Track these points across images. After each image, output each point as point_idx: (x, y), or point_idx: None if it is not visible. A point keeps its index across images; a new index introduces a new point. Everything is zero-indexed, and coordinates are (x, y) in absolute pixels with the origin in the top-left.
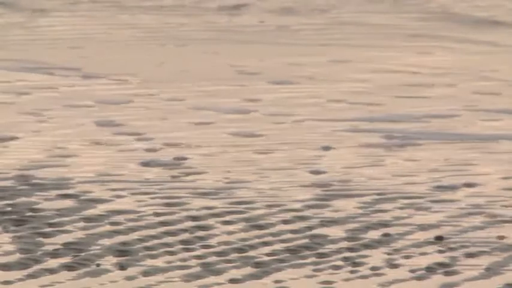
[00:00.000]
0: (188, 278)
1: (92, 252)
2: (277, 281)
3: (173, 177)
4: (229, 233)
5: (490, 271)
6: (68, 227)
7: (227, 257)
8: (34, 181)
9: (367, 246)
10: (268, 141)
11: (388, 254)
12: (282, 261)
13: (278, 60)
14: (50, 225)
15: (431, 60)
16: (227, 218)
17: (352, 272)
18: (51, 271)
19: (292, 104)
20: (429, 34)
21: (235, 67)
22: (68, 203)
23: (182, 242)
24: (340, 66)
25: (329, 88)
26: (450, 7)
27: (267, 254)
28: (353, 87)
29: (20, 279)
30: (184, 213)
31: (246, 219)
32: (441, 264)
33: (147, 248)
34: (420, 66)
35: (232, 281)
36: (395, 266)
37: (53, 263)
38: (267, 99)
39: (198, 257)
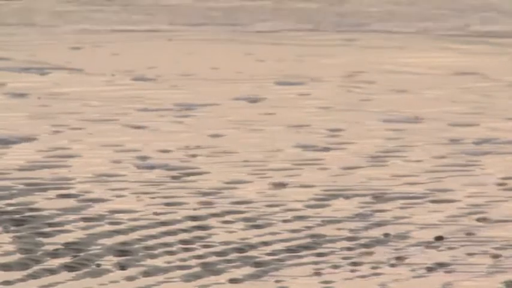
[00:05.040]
0: (188, 278)
1: (92, 252)
2: (277, 281)
3: (173, 177)
4: (229, 232)
5: (490, 271)
6: (68, 227)
7: (227, 257)
8: (34, 181)
9: (367, 246)
10: (268, 141)
11: (388, 253)
12: (282, 261)
13: (280, 61)
14: (50, 225)
15: (432, 61)
16: (227, 217)
17: (352, 271)
18: (52, 271)
19: (292, 105)
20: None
21: (237, 68)
22: (68, 203)
23: (182, 242)
24: (343, 67)
25: (332, 89)
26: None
27: (267, 254)
28: (357, 88)
29: (21, 280)
30: (184, 213)
31: (246, 219)
32: (441, 264)
33: (147, 248)
34: (422, 66)
35: (232, 280)
36: (395, 266)
37: (53, 263)
38: (268, 100)
39: (198, 257)
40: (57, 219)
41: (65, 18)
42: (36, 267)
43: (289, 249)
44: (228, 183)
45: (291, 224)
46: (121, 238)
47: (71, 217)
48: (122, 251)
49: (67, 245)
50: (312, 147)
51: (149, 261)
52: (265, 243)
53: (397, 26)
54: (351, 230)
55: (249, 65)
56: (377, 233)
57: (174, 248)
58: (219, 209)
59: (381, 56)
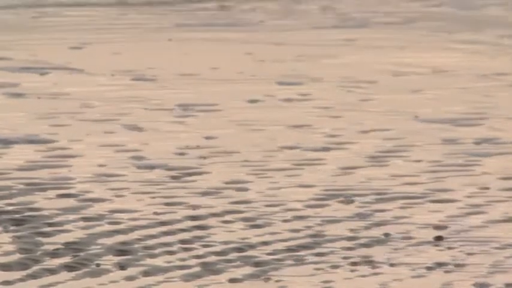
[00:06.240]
0: (188, 278)
1: (91, 252)
2: (277, 281)
3: (173, 177)
4: (229, 232)
5: (490, 271)
6: (67, 227)
7: (227, 257)
8: (34, 181)
9: (367, 245)
10: (268, 141)
11: (388, 253)
12: (281, 260)
13: (280, 61)
14: (50, 225)
15: (432, 61)
16: (226, 217)
17: (352, 271)
18: (51, 271)
19: (292, 105)
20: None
21: (237, 68)
22: (68, 202)
23: (182, 241)
24: (343, 67)
25: (332, 89)
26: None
27: (267, 254)
28: (358, 88)
29: (20, 280)
30: (184, 213)
31: (246, 219)
32: (441, 264)
33: (147, 248)
34: (422, 66)
35: (232, 280)
36: (395, 266)
37: (53, 263)
38: (268, 100)
39: (198, 256)
40: (57, 219)
41: (65, 18)
42: (36, 267)
43: (289, 249)
44: (227, 183)
45: (290, 224)
46: (121, 238)
47: (71, 217)
48: (121, 250)
49: (67, 244)
50: (312, 147)
51: (149, 261)
52: (265, 243)
53: (398, 26)
54: (351, 230)
55: (249, 65)
56: (377, 232)
57: (173, 248)
58: (219, 208)
59: (381, 56)
